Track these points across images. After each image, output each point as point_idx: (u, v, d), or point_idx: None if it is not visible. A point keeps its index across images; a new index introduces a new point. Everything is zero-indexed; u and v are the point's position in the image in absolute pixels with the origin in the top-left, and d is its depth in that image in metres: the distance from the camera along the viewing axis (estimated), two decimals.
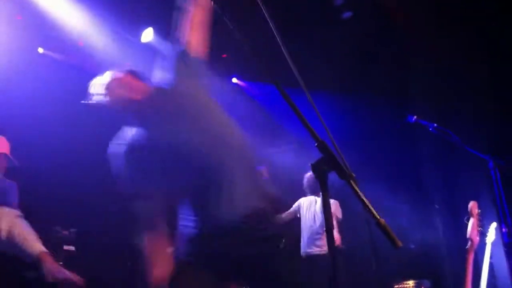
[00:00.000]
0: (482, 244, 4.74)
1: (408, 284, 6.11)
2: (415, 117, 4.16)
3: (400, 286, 6.25)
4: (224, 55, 6.89)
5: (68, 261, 4.96)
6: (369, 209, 1.75)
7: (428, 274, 6.13)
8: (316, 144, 1.79)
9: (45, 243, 4.78)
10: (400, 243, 1.71)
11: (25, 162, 5.21)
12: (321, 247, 5.58)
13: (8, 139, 3.85)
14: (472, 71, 5.87)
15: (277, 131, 7.32)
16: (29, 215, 4.35)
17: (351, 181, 1.76)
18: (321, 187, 1.78)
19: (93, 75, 6.16)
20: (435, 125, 4.03)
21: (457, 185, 5.82)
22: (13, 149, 3.94)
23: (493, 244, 4.70)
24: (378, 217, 1.72)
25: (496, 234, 4.65)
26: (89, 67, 6.27)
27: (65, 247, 4.95)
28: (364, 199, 1.75)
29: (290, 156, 7.02)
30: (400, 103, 6.29)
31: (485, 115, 5.77)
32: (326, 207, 1.78)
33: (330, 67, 6.76)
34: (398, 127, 5.89)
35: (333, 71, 6.81)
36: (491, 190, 4.13)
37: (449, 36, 6.10)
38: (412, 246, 6.15)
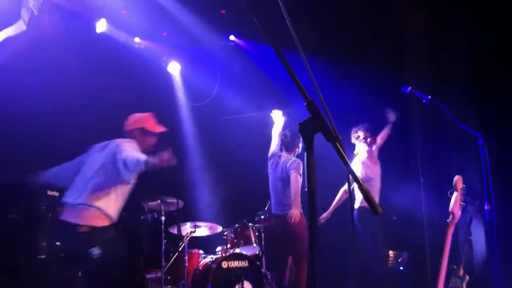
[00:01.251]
0: (462, 220, 4.80)
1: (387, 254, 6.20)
2: (409, 88, 4.13)
3: None
4: (223, 11, 6.75)
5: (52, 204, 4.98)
6: (353, 173, 1.73)
7: (408, 246, 6.22)
8: (305, 104, 1.76)
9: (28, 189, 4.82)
10: (380, 210, 1.70)
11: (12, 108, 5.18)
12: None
13: None
14: (474, 47, 5.82)
15: (271, 93, 7.26)
16: (12, 158, 4.35)
17: (337, 144, 1.73)
18: (306, 147, 1.75)
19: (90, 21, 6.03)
20: (429, 97, 4.00)
21: (445, 159, 5.84)
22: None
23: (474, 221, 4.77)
24: (361, 182, 1.71)
25: (479, 212, 4.71)
26: (86, 13, 6.15)
27: (49, 193, 4.95)
28: (349, 162, 1.74)
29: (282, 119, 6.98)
30: (396, 73, 6.23)
31: (480, 93, 5.75)
32: (310, 167, 1.75)
33: (325, 35, 6.68)
34: (390, 97, 5.87)
35: (329, 40, 6.73)
36: (478, 167, 4.12)
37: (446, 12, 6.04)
38: (394, 218, 6.21)
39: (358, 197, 5.76)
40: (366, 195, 1.69)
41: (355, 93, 6.75)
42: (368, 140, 5.80)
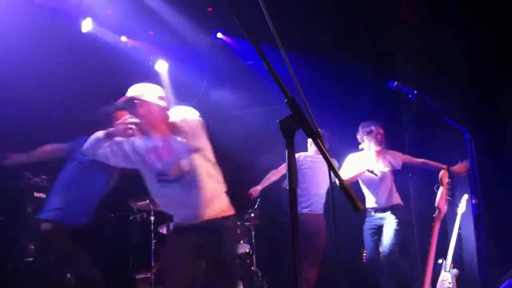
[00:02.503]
0: (452, 214, 4.81)
1: None
2: (395, 83, 4.12)
3: None
4: (210, 9, 6.71)
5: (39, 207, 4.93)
6: (333, 168, 1.73)
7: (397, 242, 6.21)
8: (285, 100, 1.76)
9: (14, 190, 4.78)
10: (361, 206, 1.69)
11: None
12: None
13: None
14: (468, 42, 5.83)
15: (261, 91, 7.23)
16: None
17: (318, 140, 1.73)
18: (287, 144, 1.74)
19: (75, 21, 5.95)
20: (415, 92, 4.00)
21: (433, 153, 5.84)
22: None
23: (463, 215, 4.78)
24: (341, 178, 1.70)
25: (467, 206, 4.72)
26: (70, 12, 6.10)
27: (36, 194, 4.91)
28: (329, 158, 1.73)
29: (272, 117, 6.94)
30: (384, 69, 6.22)
31: (467, 87, 5.76)
32: (290, 165, 1.74)
33: (313, 30, 6.66)
34: (379, 93, 5.86)
35: (317, 35, 6.70)
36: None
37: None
38: None
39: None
40: (347, 191, 1.68)
41: (346, 90, 6.74)
42: (379, 137, 5.44)
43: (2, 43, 5.25)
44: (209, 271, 3.55)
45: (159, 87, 3.54)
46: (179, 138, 3.36)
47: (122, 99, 3.36)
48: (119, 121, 3.35)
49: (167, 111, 3.44)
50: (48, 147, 4.35)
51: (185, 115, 3.41)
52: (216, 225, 3.47)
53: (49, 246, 3.98)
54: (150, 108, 3.33)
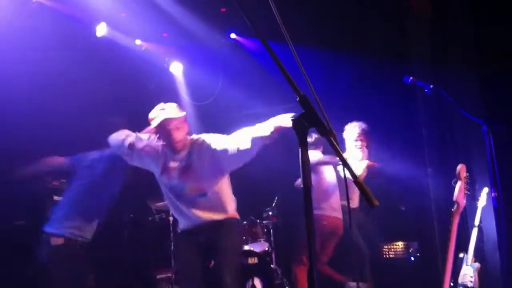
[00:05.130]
0: (473, 207, 4.76)
1: (397, 245, 6.18)
2: (411, 78, 4.09)
3: (389, 247, 6.33)
4: (223, 9, 6.73)
5: None
6: (348, 166, 1.72)
7: (417, 236, 6.18)
8: (297, 99, 1.75)
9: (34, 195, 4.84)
10: (376, 202, 1.69)
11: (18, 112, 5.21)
12: None
13: None
14: (476, 32, 5.75)
15: (276, 90, 7.23)
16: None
17: (331, 138, 1.72)
18: (300, 143, 1.74)
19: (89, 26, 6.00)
20: (431, 86, 3.96)
21: (451, 148, 5.79)
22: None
23: (483, 209, 4.73)
24: (356, 175, 1.70)
25: (487, 199, 4.67)
26: (84, 17, 6.16)
27: (55, 198, 4.96)
28: (343, 156, 1.73)
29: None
30: (398, 61, 6.17)
31: (482, 78, 5.69)
32: (304, 164, 1.74)
33: (325, 23, 6.62)
34: (394, 87, 5.82)
35: (329, 28, 6.67)
36: (484, 154, 4.09)
37: None
38: (403, 208, 6.18)
39: None
40: (362, 188, 1.67)
41: (354, 85, 6.70)
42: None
43: (17, 49, 5.32)
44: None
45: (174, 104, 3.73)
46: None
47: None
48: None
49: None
50: (48, 160, 4.40)
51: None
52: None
53: (61, 260, 4.03)
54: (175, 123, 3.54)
